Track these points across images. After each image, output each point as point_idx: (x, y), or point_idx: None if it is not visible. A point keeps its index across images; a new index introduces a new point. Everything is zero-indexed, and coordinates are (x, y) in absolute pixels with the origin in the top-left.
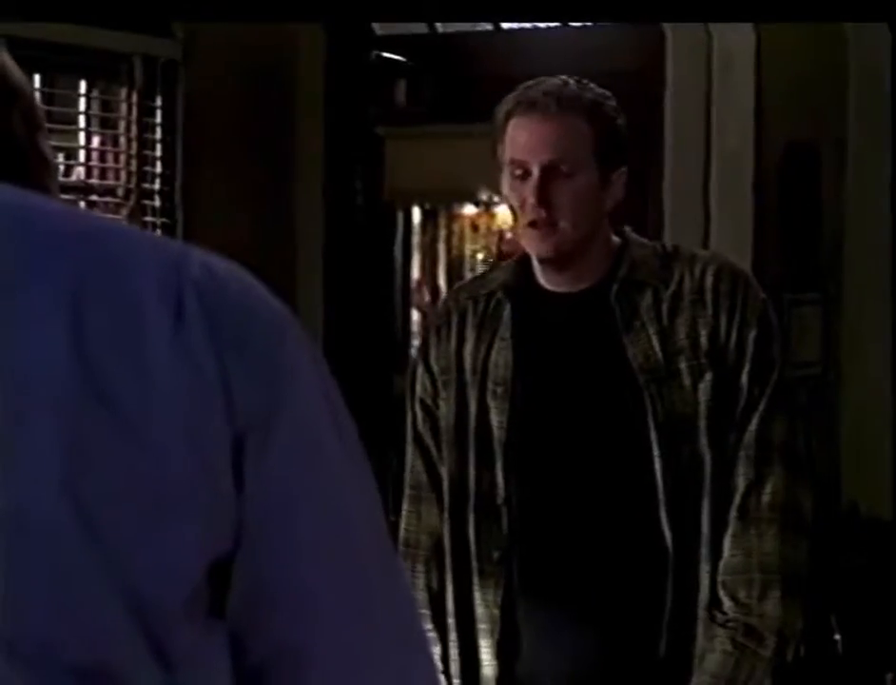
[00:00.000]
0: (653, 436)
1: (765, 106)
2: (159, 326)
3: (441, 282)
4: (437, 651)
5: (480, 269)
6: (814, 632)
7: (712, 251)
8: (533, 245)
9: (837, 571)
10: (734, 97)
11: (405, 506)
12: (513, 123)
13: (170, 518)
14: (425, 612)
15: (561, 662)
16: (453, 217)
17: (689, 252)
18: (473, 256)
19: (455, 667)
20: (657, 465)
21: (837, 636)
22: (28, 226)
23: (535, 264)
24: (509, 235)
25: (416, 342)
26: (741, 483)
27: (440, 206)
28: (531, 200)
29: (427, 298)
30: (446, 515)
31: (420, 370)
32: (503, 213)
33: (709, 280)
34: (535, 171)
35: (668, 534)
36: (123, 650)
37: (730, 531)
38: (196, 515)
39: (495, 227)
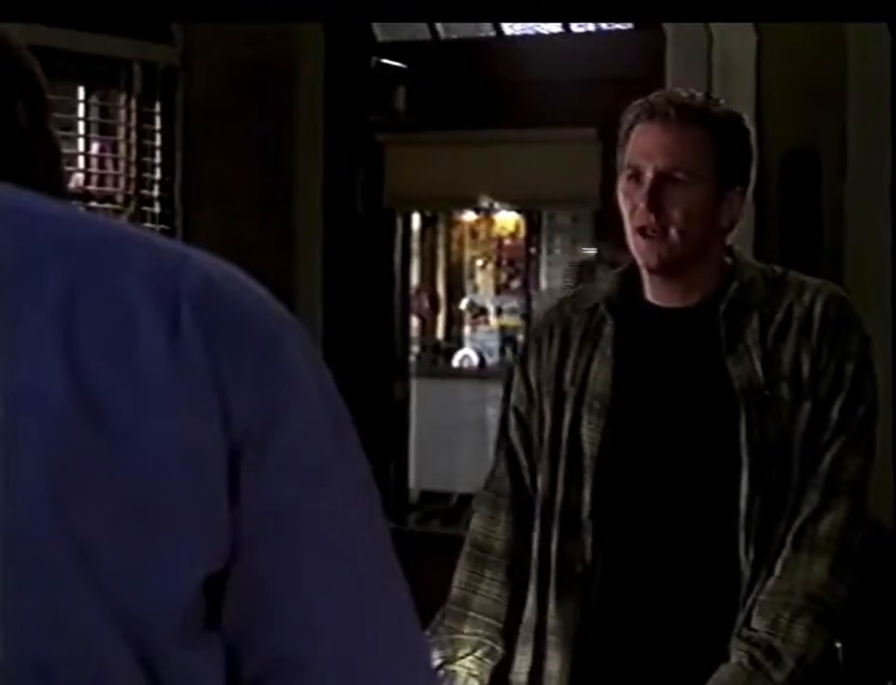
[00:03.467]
0: (745, 459)
1: (765, 111)
2: (153, 338)
3: (440, 288)
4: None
5: (479, 275)
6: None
7: (823, 279)
8: (640, 253)
9: None
10: (734, 103)
11: (482, 509)
12: (636, 129)
13: (164, 538)
14: (485, 619)
15: (635, 678)
16: (452, 223)
17: (798, 278)
18: (472, 262)
19: (523, 678)
20: (744, 489)
21: (838, 644)
22: (20, 235)
23: (644, 275)
24: (508, 242)
25: (415, 349)
26: (805, 510)
27: (440, 213)
28: (641, 205)
29: (426, 304)
30: (537, 524)
31: (517, 379)
32: (502, 220)
33: (818, 309)
34: (649, 176)
35: (743, 558)
36: (117, 671)
37: (783, 553)
38: (190, 533)
39: (494, 234)
